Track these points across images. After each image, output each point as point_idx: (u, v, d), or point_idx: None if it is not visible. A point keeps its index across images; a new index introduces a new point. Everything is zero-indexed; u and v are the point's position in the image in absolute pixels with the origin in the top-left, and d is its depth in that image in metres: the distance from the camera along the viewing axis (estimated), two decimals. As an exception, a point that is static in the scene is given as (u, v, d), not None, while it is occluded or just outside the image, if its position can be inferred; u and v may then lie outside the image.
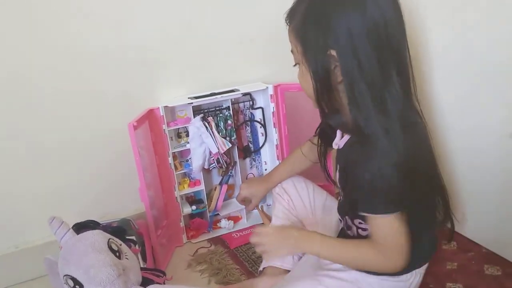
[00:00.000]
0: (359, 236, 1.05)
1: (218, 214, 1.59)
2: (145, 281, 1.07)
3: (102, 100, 1.47)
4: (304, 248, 1.08)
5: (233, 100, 1.53)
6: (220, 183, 1.60)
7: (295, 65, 1.03)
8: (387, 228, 0.93)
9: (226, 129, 1.51)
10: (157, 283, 1.10)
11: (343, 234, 1.10)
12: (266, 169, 1.67)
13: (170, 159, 1.48)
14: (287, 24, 1.00)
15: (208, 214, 1.58)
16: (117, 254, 1.02)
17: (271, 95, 1.51)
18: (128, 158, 1.41)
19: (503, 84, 1.20)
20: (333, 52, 0.90)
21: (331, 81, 0.94)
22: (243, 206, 1.56)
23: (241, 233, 1.57)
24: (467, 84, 1.31)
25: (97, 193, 1.52)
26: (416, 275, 1.08)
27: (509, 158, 1.23)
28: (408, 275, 1.06)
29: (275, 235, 1.09)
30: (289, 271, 1.25)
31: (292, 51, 1.02)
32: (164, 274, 1.16)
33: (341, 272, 1.06)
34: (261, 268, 1.31)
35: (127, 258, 1.04)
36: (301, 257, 1.29)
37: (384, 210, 0.92)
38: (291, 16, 0.98)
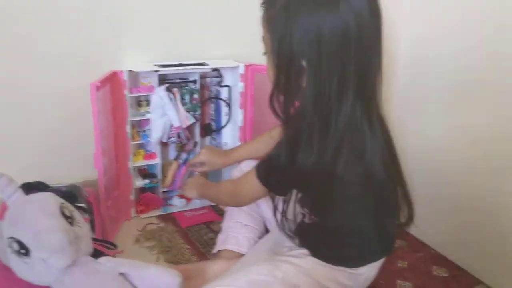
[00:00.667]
0: (312, 222, 1.03)
1: (173, 190, 1.53)
2: (95, 252, 1.00)
3: (63, 59, 1.37)
4: (200, 193, 1.32)
5: (201, 74, 1.46)
6: (176, 159, 1.52)
7: (264, 54, 0.98)
8: (250, 181, 1.04)
9: (191, 103, 1.44)
10: (107, 255, 1.03)
11: (301, 221, 1.08)
12: (225, 150, 1.62)
13: (128, 128, 1.39)
14: (263, 8, 0.95)
15: (161, 190, 1.51)
16: (69, 220, 0.94)
17: (241, 74, 1.46)
18: (84, 122, 1.32)
19: (468, 91, 1.23)
20: (299, 55, 0.87)
21: (291, 82, 0.91)
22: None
23: (193, 212, 1.51)
24: (430, 89, 1.33)
25: (45, 155, 1.42)
26: (372, 269, 1.07)
27: (466, 164, 1.26)
28: (364, 268, 1.05)
29: (191, 180, 1.39)
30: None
31: (263, 38, 0.97)
32: (115, 246, 1.09)
33: (298, 259, 1.04)
34: (214, 251, 1.27)
35: (79, 226, 0.96)
36: (257, 241, 1.26)
37: (258, 172, 1.02)
38: (268, 4, 0.93)
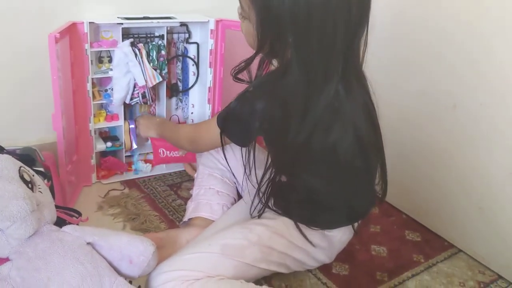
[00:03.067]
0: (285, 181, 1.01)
1: (140, 154, 1.44)
2: (58, 221, 0.91)
3: (14, 8, 1.23)
4: (159, 131, 1.34)
5: (168, 28, 1.35)
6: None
7: (240, 16, 0.93)
8: (210, 128, 1.03)
9: (158, 60, 1.33)
10: (70, 223, 0.94)
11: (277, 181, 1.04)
12: (192, 113, 1.53)
13: (89, 86, 1.27)
14: None
15: (124, 155, 1.42)
16: (30, 186, 0.84)
17: (211, 30, 1.36)
18: (40, 79, 1.23)
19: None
20: (285, 30, 0.83)
21: (275, 53, 0.88)
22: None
23: (170, 153, 1.41)
24: (407, 51, 1.29)
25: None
26: (346, 232, 1.06)
27: (442, 131, 1.24)
28: (337, 230, 1.04)
29: (144, 120, 1.39)
30: (218, 222, 1.16)
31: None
32: (80, 214, 1.00)
33: (271, 220, 1.02)
34: (185, 219, 1.21)
35: (40, 192, 0.87)
36: (229, 208, 1.21)
37: (218, 117, 1.00)
38: None
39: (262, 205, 1.01)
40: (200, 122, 1.18)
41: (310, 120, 0.87)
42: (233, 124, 0.97)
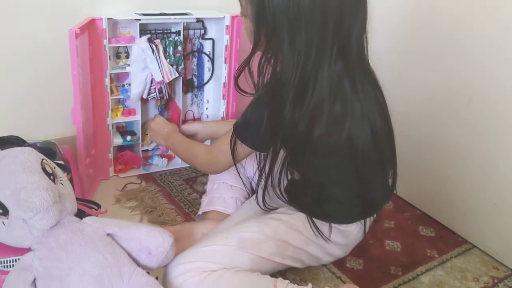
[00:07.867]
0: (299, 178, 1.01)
1: (154, 149, 1.46)
2: (77, 212, 0.93)
3: (35, 5, 1.25)
4: (167, 142, 1.28)
5: (184, 24, 1.37)
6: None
7: (241, 15, 0.97)
8: (227, 140, 0.99)
9: (174, 56, 1.35)
10: (89, 215, 0.96)
11: (291, 178, 1.05)
12: (207, 108, 1.54)
13: (107, 81, 1.30)
14: None
15: (141, 149, 1.44)
16: (52, 178, 0.87)
17: (227, 26, 1.38)
18: (60, 74, 1.24)
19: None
20: (279, 27, 0.85)
21: (272, 48, 0.89)
22: None
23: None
24: (425, 44, 1.29)
25: (16, 109, 1.32)
26: (361, 228, 1.06)
27: (456, 125, 1.24)
28: (353, 225, 1.04)
29: (155, 127, 1.32)
30: (233, 216, 1.17)
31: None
32: (99, 206, 1.02)
33: (287, 215, 1.03)
34: (200, 212, 1.23)
35: (62, 184, 0.89)
36: (243, 202, 1.22)
37: (234, 127, 0.98)
38: None
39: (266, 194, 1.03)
40: (214, 143, 1.13)
41: (307, 108, 0.88)
42: (250, 131, 0.97)
